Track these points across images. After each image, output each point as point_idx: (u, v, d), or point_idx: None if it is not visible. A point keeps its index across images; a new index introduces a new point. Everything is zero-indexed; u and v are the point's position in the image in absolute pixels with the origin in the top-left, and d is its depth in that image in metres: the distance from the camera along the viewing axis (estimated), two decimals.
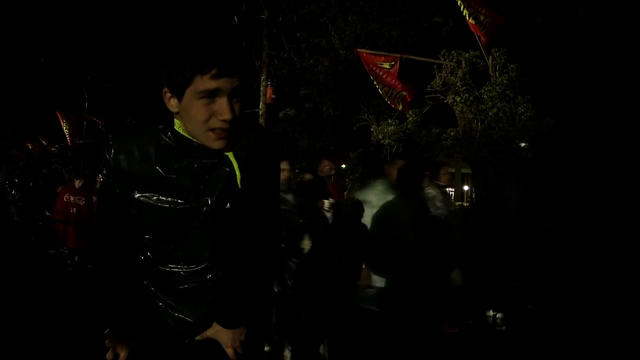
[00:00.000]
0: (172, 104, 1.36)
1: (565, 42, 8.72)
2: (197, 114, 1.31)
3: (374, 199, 3.51)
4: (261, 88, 12.04)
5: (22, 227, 12.85)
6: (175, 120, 1.41)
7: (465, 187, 29.70)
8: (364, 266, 3.51)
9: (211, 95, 1.29)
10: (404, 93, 9.03)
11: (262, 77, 12.03)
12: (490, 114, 8.16)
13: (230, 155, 1.40)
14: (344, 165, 12.99)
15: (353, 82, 12.01)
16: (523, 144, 8.35)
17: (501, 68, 8.32)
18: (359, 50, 9.66)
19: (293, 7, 12.72)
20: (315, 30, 12.69)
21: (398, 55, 9.23)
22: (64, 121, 19.52)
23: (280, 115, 14.01)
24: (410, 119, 10.32)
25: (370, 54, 9.46)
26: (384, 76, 9.07)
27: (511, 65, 8.16)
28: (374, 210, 3.46)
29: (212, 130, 1.33)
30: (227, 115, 1.30)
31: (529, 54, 8.75)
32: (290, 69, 13.30)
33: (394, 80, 8.99)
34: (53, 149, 22.36)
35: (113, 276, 1.51)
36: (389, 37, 11.66)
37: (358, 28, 12.01)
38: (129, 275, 1.52)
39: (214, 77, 1.27)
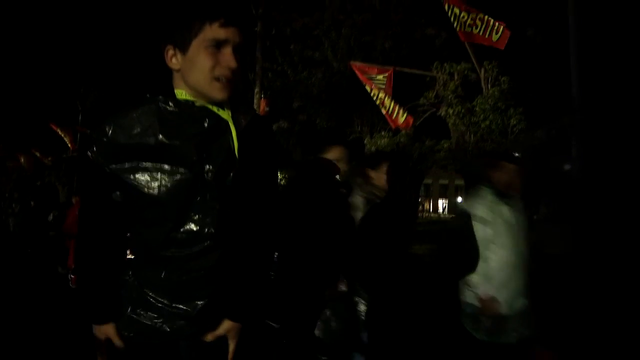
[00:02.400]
0: (174, 61, 1.40)
1: (556, 54, 8.77)
2: (204, 62, 1.36)
3: (486, 214, 2.89)
4: (254, 100, 12.02)
5: (19, 240, 12.73)
6: (175, 91, 1.43)
7: (459, 199, 29.76)
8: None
9: (218, 45, 1.36)
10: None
11: (256, 90, 12.01)
12: (482, 126, 8.19)
13: (229, 120, 1.42)
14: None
15: (346, 94, 12.05)
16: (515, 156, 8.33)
17: (493, 80, 8.36)
18: (352, 63, 9.69)
19: (286, 20, 12.79)
20: (309, 43, 12.76)
21: (391, 68, 9.26)
22: (61, 131, 19.52)
23: (274, 127, 14.03)
24: (403, 131, 10.35)
25: (363, 66, 9.49)
26: (379, 90, 9.07)
27: (503, 78, 8.20)
28: (488, 227, 2.85)
29: (217, 79, 1.37)
30: (233, 63, 1.37)
31: (520, 66, 8.79)
32: (284, 82, 13.35)
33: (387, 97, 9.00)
34: (46, 161, 22.27)
35: (97, 264, 1.44)
36: (382, 49, 11.74)
37: (351, 40, 12.09)
38: (113, 265, 1.45)
39: (223, 25, 1.35)
